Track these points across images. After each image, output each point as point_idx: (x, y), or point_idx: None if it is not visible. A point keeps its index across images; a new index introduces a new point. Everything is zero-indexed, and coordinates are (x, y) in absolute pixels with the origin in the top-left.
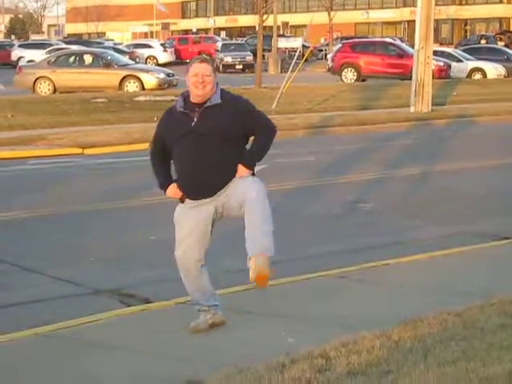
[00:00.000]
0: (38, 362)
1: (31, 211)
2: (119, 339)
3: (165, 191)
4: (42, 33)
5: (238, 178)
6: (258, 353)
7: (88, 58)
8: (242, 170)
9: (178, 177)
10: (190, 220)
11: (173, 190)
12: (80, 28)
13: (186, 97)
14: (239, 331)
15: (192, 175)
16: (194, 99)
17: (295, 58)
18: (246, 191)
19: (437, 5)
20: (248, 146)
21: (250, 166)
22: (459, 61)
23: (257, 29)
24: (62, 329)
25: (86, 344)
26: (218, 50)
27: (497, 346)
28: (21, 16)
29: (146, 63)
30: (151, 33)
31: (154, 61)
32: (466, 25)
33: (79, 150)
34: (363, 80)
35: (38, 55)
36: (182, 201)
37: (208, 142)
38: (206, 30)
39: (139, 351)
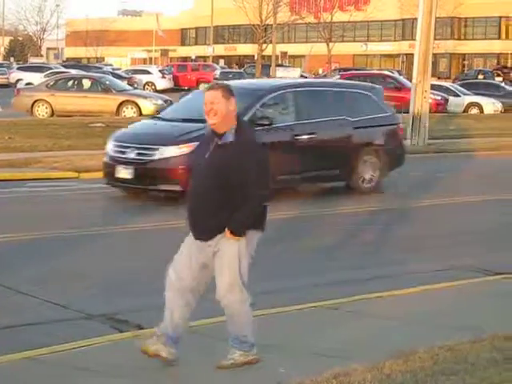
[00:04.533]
0: None
1: (26, 234)
2: (111, 365)
3: None
4: (41, 56)
5: (224, 248)
6: (248, 382)
7: (86, 83)
8: (228, 234)
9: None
10: (186, 245)
11: None
12: (79, 52)
13: None
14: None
15: (189, 208)
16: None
17: None
18: (222, 287)
19: (435, 39)
20: None
21: (236, 233)
22: (456, 95)
23: (255, 58)
24: (53, 353)
25: (77, 368)
26: (216, 78)
27: (488, 382)
28: (20, 38)
29: (144, 89)
30: (150, 59)
31: (153, 87)
32: (464, 59)
33: (75, 174)
34: None
35: (37, 78)
36: None
37: (211, 181)
38: (205, 58)
39: (130, 377)
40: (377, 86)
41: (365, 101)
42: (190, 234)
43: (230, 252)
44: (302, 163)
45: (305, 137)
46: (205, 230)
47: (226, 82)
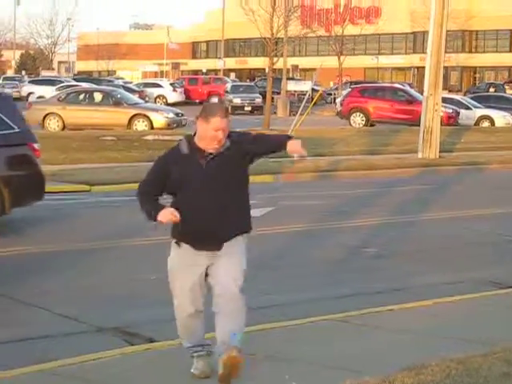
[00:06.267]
0: None
1: (37, 247)
2: (122, 378)
3: (155, 218)
4: (53, 69)
5: (236, 244)
6: None
7: (98, 96)
8: (293, 144)
9: (183, 223)
10: (185, 272)
11: (167, 214)
12: (90, 65)
13: (189, 141)
14: (241, 374)
15: (201, 221)
16: (205, 147)
17: (304, 101)
18: (227, 281)
19: (446, 52)
20: None
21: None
22: (468, 108)
23: (267, 71)
24: (65, 366)
25: (88, 382)
26: (227, 91)
27: None
28: (32, 52)
29: (155, 102)
30: (161, 72)
31: (164, 100)
32: (475, 72)
33: (87, 187)
34: (372, 125)
35: (48, 91)
36: (177, 242)
37: (219, 187)
38: (216, 71)
39: None
40: (2, 92)
41: None
42: (178, 256)
43: (240, 250)
44: None
45: None
46: (219, 235)
47: None
